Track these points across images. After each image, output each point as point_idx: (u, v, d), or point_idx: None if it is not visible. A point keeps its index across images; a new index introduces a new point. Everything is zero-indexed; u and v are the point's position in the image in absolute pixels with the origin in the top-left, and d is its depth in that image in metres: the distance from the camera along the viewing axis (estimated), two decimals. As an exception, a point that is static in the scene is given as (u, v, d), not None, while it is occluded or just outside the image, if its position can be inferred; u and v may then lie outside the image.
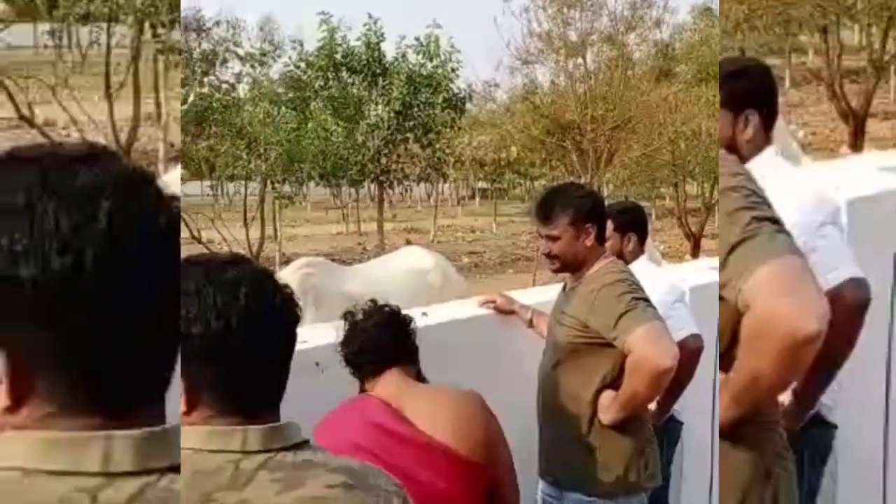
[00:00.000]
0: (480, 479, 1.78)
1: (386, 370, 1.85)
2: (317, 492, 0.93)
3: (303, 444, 0.99)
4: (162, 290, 0.69)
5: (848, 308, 1.82)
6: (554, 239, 2.28)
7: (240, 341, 1.00)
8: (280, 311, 1.03)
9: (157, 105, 13.38)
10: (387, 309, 1.92)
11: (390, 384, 1.84)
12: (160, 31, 10.90)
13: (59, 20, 13.65)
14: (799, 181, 1.97)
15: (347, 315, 1.92)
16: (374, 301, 1.95)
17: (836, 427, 2.05)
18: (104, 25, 12.09)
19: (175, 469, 0.68)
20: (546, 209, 2.31)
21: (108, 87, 11.31)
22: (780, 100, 2.05)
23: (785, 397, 1.88)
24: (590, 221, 2.27)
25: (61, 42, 20.53)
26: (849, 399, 2.07)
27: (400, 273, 5.97)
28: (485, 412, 1.82)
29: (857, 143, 12.87)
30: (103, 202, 0.66)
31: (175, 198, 0.73)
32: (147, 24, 10.98)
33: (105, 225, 0.66)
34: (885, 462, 2.32)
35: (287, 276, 5.79)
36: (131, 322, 0.68)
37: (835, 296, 1.78)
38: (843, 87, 13.36)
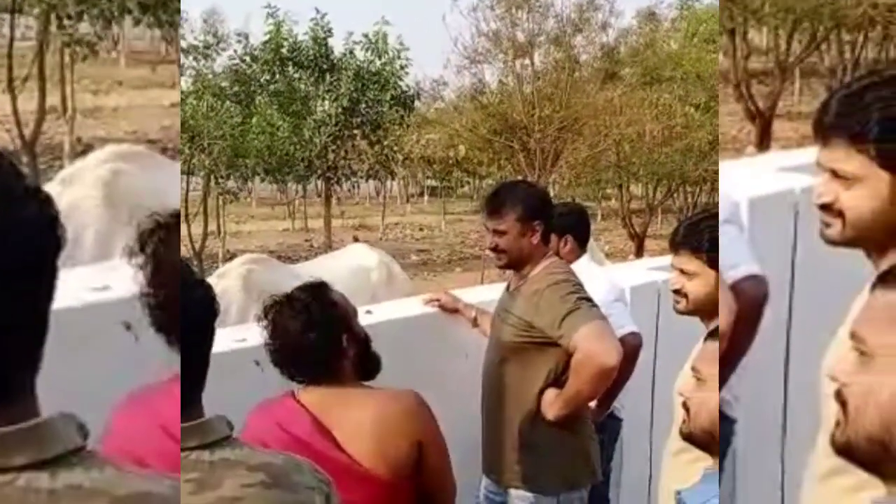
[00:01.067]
0: (402, 494, 1.74)
1: (314, 382, 1.75)
2: (233, 492, 0.92)
3: (222, 441, 0.97)
4: (20, 285, 0.66)
5: (747, 303, 1.90)
6: (501, 234, 2.28)
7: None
8: (193, 306, 1.01)
9: (63, 99, 12.91)
10: (315, 308, 1.73)
11: (316, 394, 1.75)
12: (66, 22, 10.50)
13: (-41, 11, 13.11)
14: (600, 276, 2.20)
15: (272, 308, 1.75)
16: (307, 290, 1.78)
17: (735, 421, 2.11)
18: (6, 16, 11.65)
19: (37, 466, 0.64)
20: (495, 203, 2.31)
21: (10, 79, 10.88)
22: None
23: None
24: (537, 219, 2.28)
25: None
26: (748, 393, 2.13)
27: (344, 271, 5.91)
28: (415, 418, 1.74)
29: (762, 144, 13.32)
30: None
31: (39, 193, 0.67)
32: (53, 16, 10.58)
33: None
34: (782, 454, 2.41)
35: (230, 272, 5.67)
36: None
37: (735, 291, 1.87)
38: (750, 88, 13.80)
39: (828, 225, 1.21)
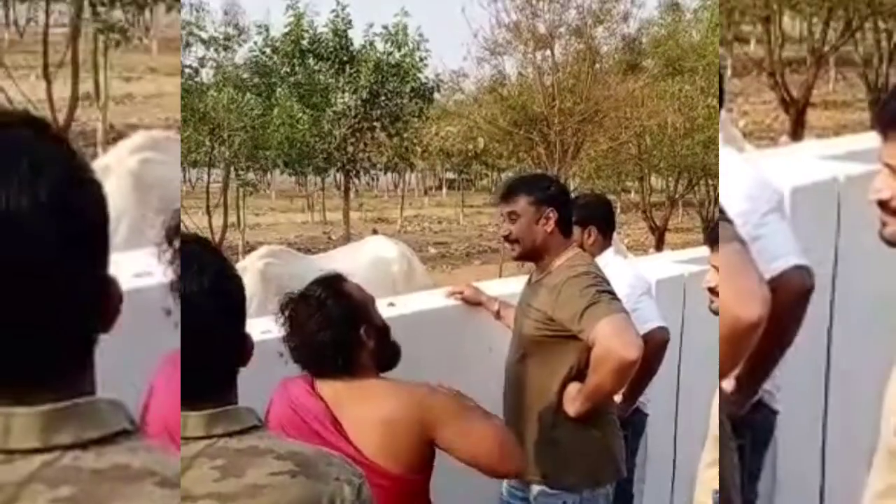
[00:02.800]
0: (412, 488, 1.72)
1: (332, 377, 1.74)
2: (259, 479, 0.91)
3: (251, 430, 0.96)
4: (57, 263, 0.66)
5: (791, 295, 1.85)
6: (513, 218, 2.26)
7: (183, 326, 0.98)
8: (222, 295, 1.01)
9: (96, 85, 13.05)
10: (331, 304, 1.72)
11: (331, 385, 1.74)
12: (100, 9, 10.60)
13: (-5, -4, 13.25)
14: (744, 170, 2.03)
15: (288, 306, 1.74)
16: (322, 284, 1.76)
17: (777, 413, 2.07)
18: (42, 3, 11.78)
19: (82, 445, 0.65)
20: (509, 189, 2.32)
21: (45, 65, 11.00)
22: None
23: (728, 384, 1.91)
24: (551, 206, 2.25)
25: None
26: (790, 385, 2.10)
27: (364, 263, 5.92)
28: (417, 408, 1.69)
29: (797, 133, 13.15)
30: None
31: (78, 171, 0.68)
32: (87, 3, 10.67)
33: None
34: (823, 448, 2.37)
35: (248, 264, 5.69)
36: (21, 297, 0.64)
37: (778, 283, 1.82)
38: (784, 76, 13.62)
39: (885, 224, 1.18)
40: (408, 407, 1.70)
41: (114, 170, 3.68)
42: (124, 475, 0.65)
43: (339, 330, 1.71)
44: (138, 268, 1.57)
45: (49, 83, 11.04)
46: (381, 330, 1.81)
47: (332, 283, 1.78)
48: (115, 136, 11.91)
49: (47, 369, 0.67)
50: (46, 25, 11.40)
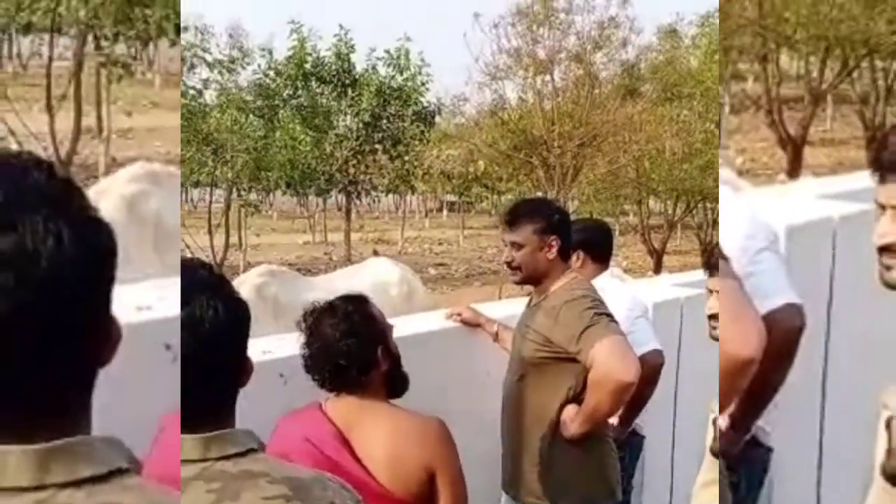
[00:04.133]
0: None
1: (344, 391, 1.78)
2: (252, 503, 0.91)
3: (247, 453, 0.96)
4: (61, 300, 0.66)
5: (783, 333, 1.84)
6: (517, 247, 2.30)
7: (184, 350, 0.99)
8: (224, 320, 1.01)
9: (99, 118, 13.15)
10: (357, 318, 1.77)
11: (342, 404, 1.77)
12: (103, 43, 10.70)
13: (-1, 29, 13.36)
14: (740, 208, 2.04)
15: (312, 314, 1.79)
16: (349, 300, 1.81)
17: (771, 450, 2.07)
18: (46, 36, 11.89)
19: (75, 484, 0.65)
20: (513, 216, 2.34)
21: (48, 98, 11.08)
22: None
23: (722, 422, 1.92)
24: (554, 234, 2.29)
25: (1, 52, 20.08)
26: (784, 423, 2.10)
27: (364, 285, 5.93)
28: (431, 445, 1.74)
29: (794, 170, 13.18)
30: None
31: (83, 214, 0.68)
32: (90, 37, 10.77)
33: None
34: (818, 486, 2.37)
35: (245, 283, 5.67)
36: (21, 337, 0.65)
37: (770, 321, 1.81)
38: (781, 114, 13.67)
39: (889, 268, 1.14)
40: (414, 435, 1.74)
41: (109, 194, 3.69)
42: None
43: (360, 342, 1.75)
44: (139, 301, 1.59)
45: (52, 116, 11.10)
46: (395, 357, 1.85)
47: (359, 301, 1.83)
48: (116, 169, 11.98)
49: (47, 406, 0.67)
50: (50, 59, 11.48)
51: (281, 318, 4.73)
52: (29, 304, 0.64)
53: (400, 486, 1.71)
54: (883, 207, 1.15)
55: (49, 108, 11.11)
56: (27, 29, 11.64)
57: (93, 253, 0.68)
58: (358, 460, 1.70)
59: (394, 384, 1.84)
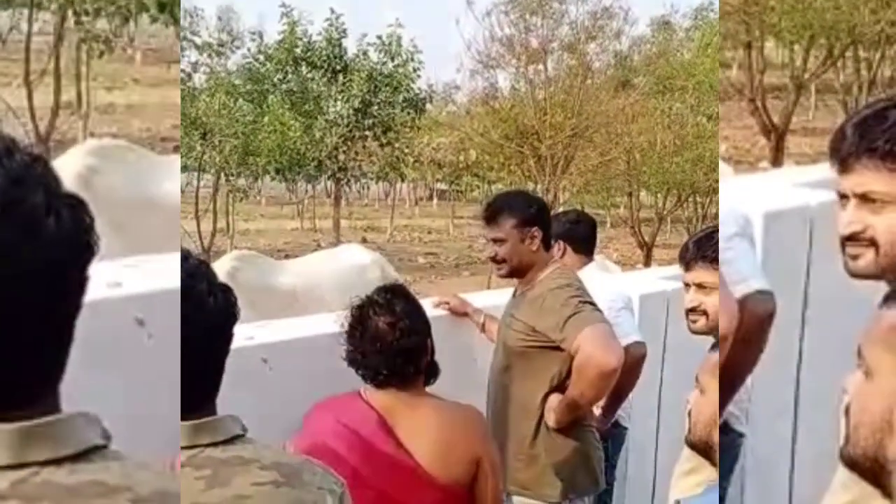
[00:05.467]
0: (461, 498, 1.79)
1: (390, 386, 1.80)
2: (243, 490, 0.92)
3: (235, 439, 0.97)
4: (36, 282, 0.66)
5: (754, 318, 1.87)
6: (500, 242, 2.30)
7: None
8: (211, 309, 1.01)
9: (79, 94, 13.01)
10: (408, 318, 1.79)
11: (387, 394, 1.80)
12: (84, 18, 10.57)
13: (-23, 4, 13.18)
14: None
15: (366, 309, 1.80)
16: (393, 290, 1.84)
17: (743, 436, 2.09)
18: (25, 11, 11.75)
19: (56, 462, 0.65)
20: (492, 212, 2.34)
21: (27, 73, 10.96)
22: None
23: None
24: (535, 225, 2.29)
25: None
26: (758, 410, 2.11)
27: (335, 269, 5.85)
28: (477, 433, 1.81)
29: (776, 158, 13.25)
30: None
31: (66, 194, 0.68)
32: (71, 12, 10.64)
33: None
34: (790, 472, 2.39)
35: (219, 269, 5.60)
36: (3, 318, 0.65)
37: (741, 307, 1.84)
38: (765, 102, 13.72)
39: (855, 257, 1.15)
40: (461, 423, 1.79)
41: (62, 171, 3.65)
42: (99, 492, 0.65)
43: (417, 339, 1.80)
44: (110, 278, 1.57)
45: (31, 91, 10.99)
46: (433, 347, 1.88)
47: (407, 295, 1.87)
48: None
49: (26, 385, 0.67)
50: (29, 34, 11.35)
51: (255, 303, 4.68)
52: (13, 287, 0.64)
53: (446, 473, 1.75)
54: (845, 197, 1.16)
55: (28, 84, 10.99)
56: (7, 3, 11.50)
57: (78, 232, 0.68)
58: (403, 448, 1.74)
59: (429, 373, 1.87)
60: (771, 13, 12.07)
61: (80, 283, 0.71)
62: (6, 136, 0.69)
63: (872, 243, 1.14)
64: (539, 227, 2.30)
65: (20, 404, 0.66)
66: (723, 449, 2.00)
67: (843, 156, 1.15)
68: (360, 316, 1.81)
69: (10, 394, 0.66)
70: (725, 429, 2.02)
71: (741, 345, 1.83)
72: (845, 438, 1.00)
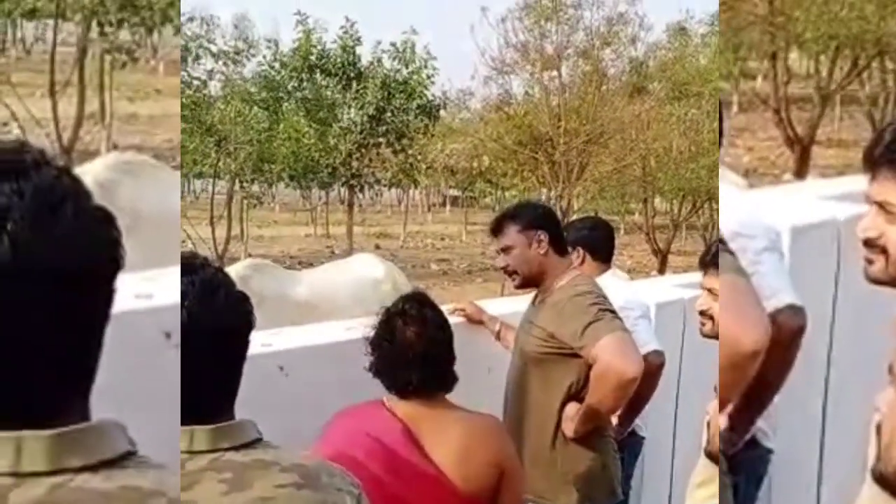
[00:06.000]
0: None
1: (414, 395, 1.79)
2: (265, 492, 0.92)
3: (255, 443, 0.97)
4: (67, 293, 0.67)
5: (785, 333, 1.84)
6: (507, 250, 2.30)
7: (187, 344, 0.99)
8: (228, 315, 1.02)
9: (102, 105, 13.15)
10: (436, 327, 1.79)
11: (410, 403, 1.79)
12: (107, 29, 10.71)
13: (3, 14, 13.38)
14: (742, 207, 2.06)
15: (396, 318, 1.79)
16: (419, 299, 1.83)
17: (771, 452, 2.06)
18: (50, 22, 11.91)
19: (91, 468, 0.66)
20: (497, 223, 2.36)
21: (52, 84, 11.10)
22: (727, 124, 2.20)
23: (722, 422, 1.92)
24: (540, 228, 2.29)
25: (5, 37, 20.11)
26: (786, 425, 2.09)
27: (348, 281, 5.84)
28: (500, 443, 1.81)
29: (801, 170, 13.15)
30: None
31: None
32: (94, 23, 10.78)
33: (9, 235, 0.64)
34: (818, 488, 2.35)
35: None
36: (34, 329, 0.66)
37: (771, 321, 1.81)
38: (789, 113, 13.63)
39: (871, 262, 1.17)
40: (484, 433, 1.79)
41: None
42: (134, 497, 0.66)
43: (444, 349, 1.80)
44: (138, 290, 1.59)
45: (55, 102, 11.13)
46: (455, 356, 1.88)
47: (431, 303, 1.86)
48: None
49: (57, 395, 0.68)
50: (54, 44, 11.51)
51: (267, 312, 4.69)
52: (47, 295, 0.66)
53: (470, 483, 1.74)
54: (875, 204, 1.17)
55: (52, 94, 11.14)
56: (31, 14, 11.67)
57: (110, 244, 0.70)
58: (427, 457, 1.73)
59: (449, 381, 1.86)
60: (796, 23, 11.98)
61: (108, 295, 0.72)
62: (35, 148, 0.70)
63: (884, 251, 1.15)
64: (545, 230, 2.29)
65: (54, 413, 0.67)
66: (751, 464, 1.98)
67: (872, 161, 1.16)
68: (389, 325, 1.80)
69: (44, 402, 0.67)
70: (754, 444, 2.00)
71: (772, 360, 1.80)
72: (877, 456, 0.99)
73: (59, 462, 0.65)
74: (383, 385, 1.81)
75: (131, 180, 3.77)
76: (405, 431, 1.74)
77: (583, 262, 2.88)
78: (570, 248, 2.78)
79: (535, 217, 2.31)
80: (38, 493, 0.63)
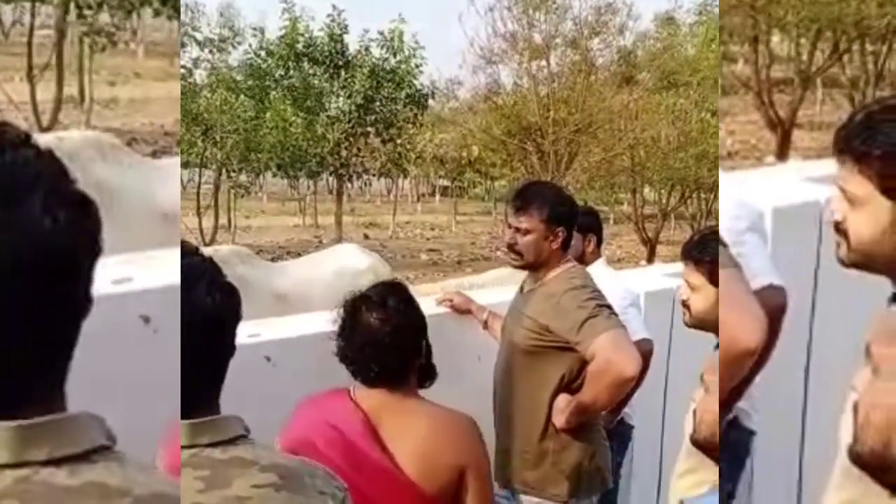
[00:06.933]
0: None
1: (380, 385, 1.74)
2: (243, 491, 0.91)
3: (237, 440, 0.95)
4: (35, 284, 0.65)
5: (766, 314, 1.86)
6: (524, 233, 2.25)
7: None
8: (214, 308, 1.00)
9: (81, 88, 12.99)
10: (401, 315, 1.74)
11: (375, 394, 1.74)
12: (86, 12, 10.56)
13: (-21, -2, 13.17)
14: (721, 190, 2.10)
15: (358, 304, 1.75)
16: (389, 287, 1.79)
17: (753, 433, 2.07)
18: (28, 5, 11.75)
19: (56, 462, 0.64)
20: (523, 201, 2.26)
21: (30, 68, 10.95)
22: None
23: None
24: (562, 225, 2.25)
25: None
26: (767, 406, 2.10)
27: (331, 272, 5.76)
28: (464, 443, 1.74)
29: (782, 153, 13.23)
30: None
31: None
32: (73, 5, 10.62)
33: None
34: (800, 468, 2.37)
35: None
36: (9, 317, 0.64)
37: None
38: (771, 96, 13.67)
39: (838, 245, 1.19)
40: (447, 431, 1.73)
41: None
42: (99, 494, 0.64)
43: (409, 338, 1.75)
44: (116, 274, 1.56)
45: (33, 85, 10.99)
46: (429, 348, 1.84)
47: (404, 293, 1.81)
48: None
49: (31, 383, 0.66)
50: (32, 27, 11.36)
51: (249, 302, 4.63)
52: (22, 284, 0.64)
53: (429, 481, 1.69)
54: (840, 189, 1.19)
55: (30, 78, 11.00)
56: (9, -3, 11.47)
57: (85, 231, 0.68)
58: (386, 451, 1.68)
59: (425, 375, 1.83)
60: (777, 7, 12.03)
61: (85, 283, 0.69)
62: (15, 127, 0.67)
63: (846, 236, 1.17)
64: (565, 227, 2.25)
65: (20, 404, 0.65)
66: (733, 446, 1.99)
67: (838, 145, 1.18)
68: (352, 311, 1.75)
69: (10, 393, 0.65)
70: (736, 425, 2.01)
71: None
72: (853, 436, 1.00)
73: (22, 454, 0.63)
74: (349, 373, 1.76)
75: (99, 160, 3.71)
76: (365, 422, 1.69)
77: (593, 250, 2.90)
78: (581, 235, 2.79)
79: (562, 212, 2.26)
80: (3, 485, 0.62)
